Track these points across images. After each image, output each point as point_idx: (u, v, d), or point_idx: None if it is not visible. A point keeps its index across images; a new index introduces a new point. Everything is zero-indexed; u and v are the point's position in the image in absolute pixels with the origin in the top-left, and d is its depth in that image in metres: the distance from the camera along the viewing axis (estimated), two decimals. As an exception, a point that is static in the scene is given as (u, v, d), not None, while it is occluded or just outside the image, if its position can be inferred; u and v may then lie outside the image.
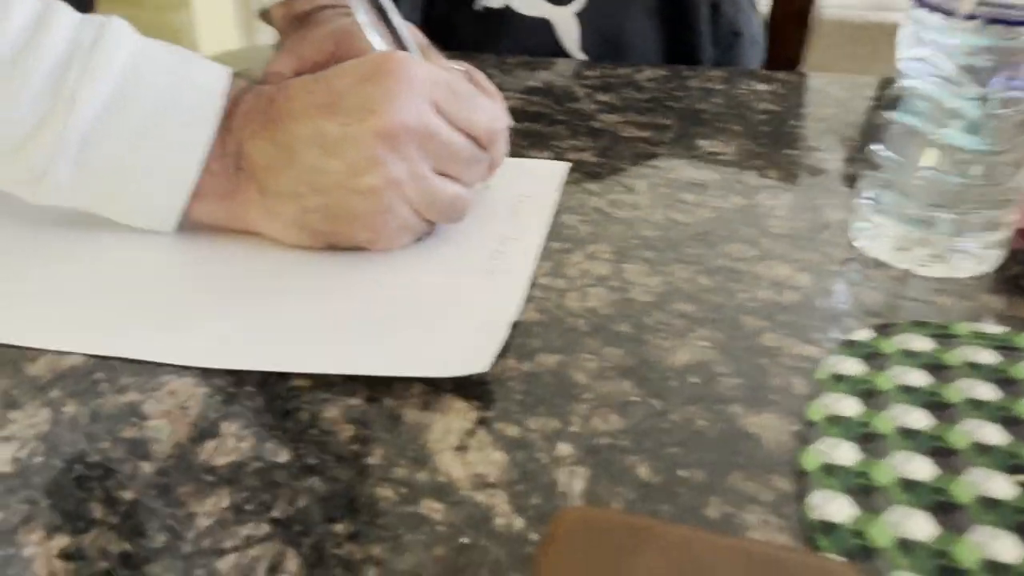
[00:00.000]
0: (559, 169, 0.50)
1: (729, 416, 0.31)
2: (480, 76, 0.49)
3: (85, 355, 0.33)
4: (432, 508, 0.27)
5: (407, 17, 0.49)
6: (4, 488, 0.27)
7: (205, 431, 0.30)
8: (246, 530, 0.26)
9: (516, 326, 0.35)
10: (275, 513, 0.26)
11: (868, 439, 0.29)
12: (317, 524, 0.26)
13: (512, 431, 0.30)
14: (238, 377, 0.32)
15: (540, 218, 0.44)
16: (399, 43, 0.43)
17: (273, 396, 0.32)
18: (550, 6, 0.71)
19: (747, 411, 0.31)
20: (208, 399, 0.31)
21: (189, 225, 0.41)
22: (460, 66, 0.47)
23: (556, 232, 0.43)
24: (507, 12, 0.72)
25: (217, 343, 0.34)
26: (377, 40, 0.43)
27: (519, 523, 0.26)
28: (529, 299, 0.38)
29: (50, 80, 0.36)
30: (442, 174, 0.39)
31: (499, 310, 0.36)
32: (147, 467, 0.28)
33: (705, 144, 0.54)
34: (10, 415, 0.30)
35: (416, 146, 0.38)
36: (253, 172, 0.39)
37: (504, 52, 0.70)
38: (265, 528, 0.26)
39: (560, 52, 0.73)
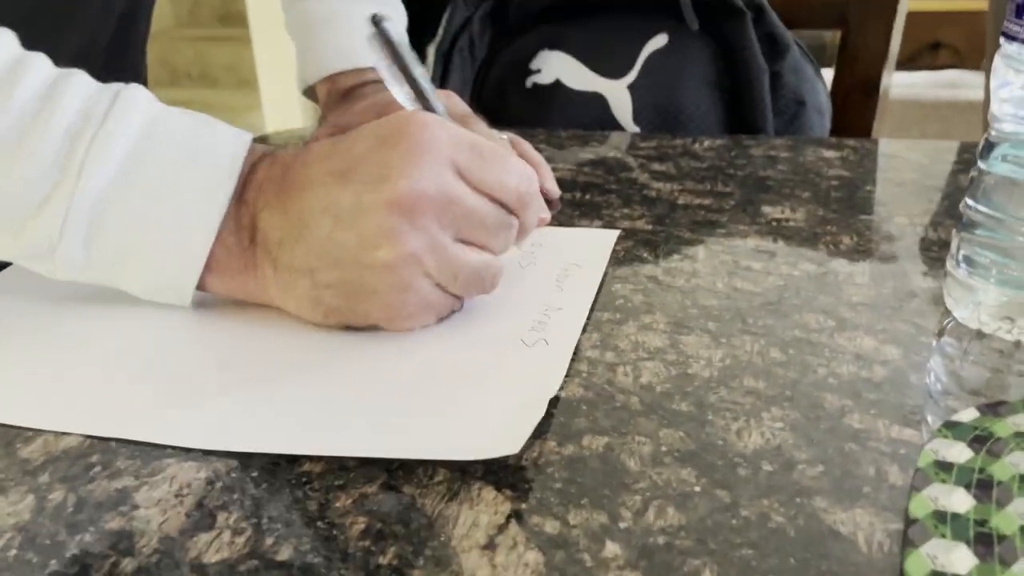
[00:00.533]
0: (608, 237, 0.46)
1: (812, 511, 0.26)
2: (524, 144, 0.46)
3: (83, 436, 0.30)
4: (450, 620, 0.22)
5: (458, 95, 0.47)
6: (-33, 586, 0.24)
7: (199, 523, 0.26)
8: (229, 643, 0.22)
9: (558, 404, 0.31)
10: (266, 623, 0.22)
11: (986, 540, 0.24)
12: (313, 637, 0.22)
13: (550, 527, 0.25)
14: (244, 461, 0.29)
15: (587, 287, 0.40)
16: (424, 102, 0.40)
17: (280, 483, 0.28)
18: (602, 80, 0.70)
19: (833, 505, 0.26)
20: (208, 486, 0.28)
21: (208, 297, 0.38)
22: (503, 135, 0.45)
23: (606, 303, 0.39)
24: (558, 87, 0.70)
25: (223, 423, 0.31)
26: (401, 95, 0.40)
27: (555, 641, 0.21)
28: (574, 374, 0.33)
29: (61, 151, 0.34)
30: (466, 242, 0.36)
31: (537, 386, 0.32)
32: (129, 564, 0.24)
33: (770, 211, 0.50)
34: (-8, 501, 0.27)
35: (435, 215, 0.34)
36: (266, 245, 0.36)
37: (556, 127, 0.68)
38: (252, 641, 0.22)
39: (613, 126, 0.70)
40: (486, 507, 0.26)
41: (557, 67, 0.70)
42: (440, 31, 0.76)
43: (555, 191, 0.47)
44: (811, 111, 0.70)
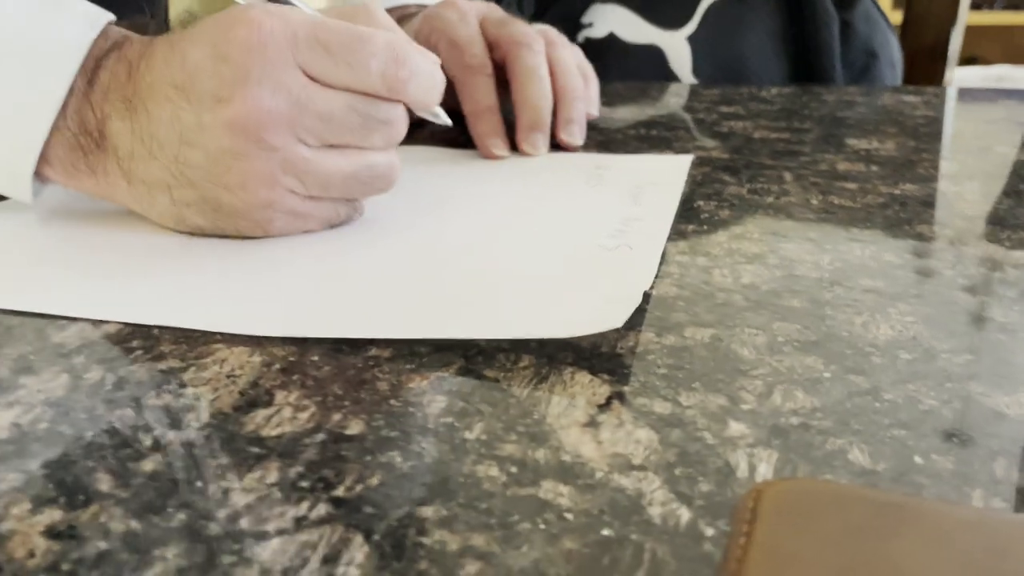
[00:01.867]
0: (682, 161, 0.43)
1: (968, 395, 0.22)
2: (562, 47, 0.44)
3: (123, 323, 0.27)
4: (556, 492, 0.19)
5: None
6: (-7, 455, 0.21)
7: (256, 400, 0.23)
8: (297, 510, 0.18)
9: (649, 300, 0.28)
10: (338, 491, 0.19)
11: None
12: (396, 506, 0.18)
13: (660, 408, 0.22)
14: (302, 347, 0.26)
15: (666, 202, 0.37)
16: None
17: (344, 366, 0.24)
18: (658, 31, 0.66)
19: (993, 390, 0.22)
20: (263, 368, 0.24)
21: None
22: (542, 26, 0.43)
23: (689, 216, 0.36)
24: (612, 41, 0.67)
25: (279, 309, 0.28)
26: None
27: (684, 513, 0.18)
28: (664, 275, 0.30)
29: None
30: (337, 146, 0.33)
31: (626, 279, 0.28)
32: (176, 436, 0.21)
33: (856, 143, 0.46)
34: (20, 380, 0.24)
35: (283, 129, 0.31)
36: (117, 155, 0.33)
37: (610, 83, 0.65)
38: (323, 509, 0.18)
39: (671, 80, 0.67)
40: (582, 389, 0.23)
41: (610, 19, 0.67)
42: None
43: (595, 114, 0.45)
44: (884, 64, 0.66)
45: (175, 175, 0.32)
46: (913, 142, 0.47)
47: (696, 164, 0.43)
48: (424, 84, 0.33)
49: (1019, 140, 0.49)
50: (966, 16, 0.77)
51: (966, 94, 0.62)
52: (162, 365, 0.25)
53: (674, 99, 0.60)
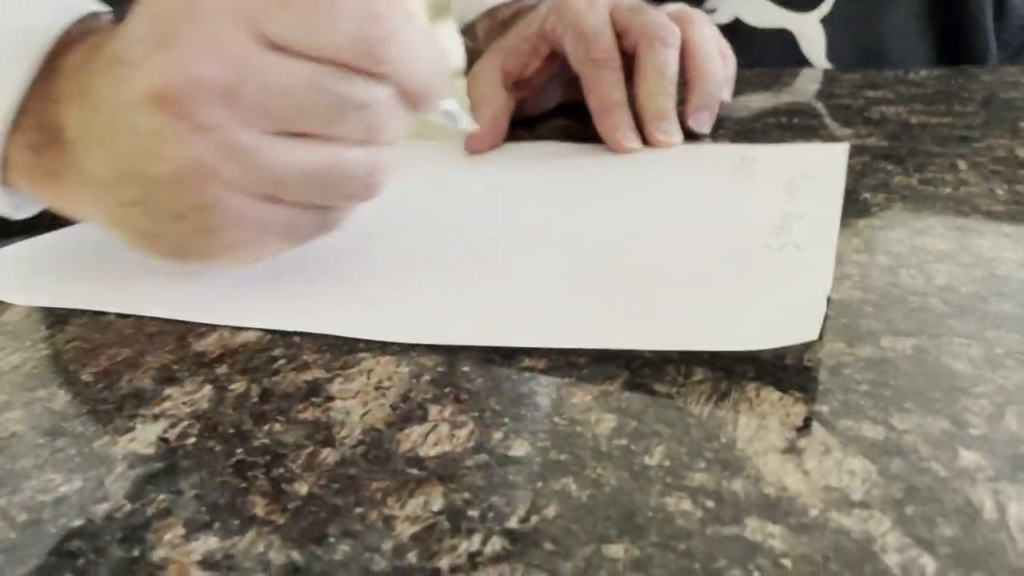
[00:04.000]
0: (837, 150, 0.39)
1: None
2: (699, 22, 0.41)
3: (262, 331, 0.26)
4: (765, 532, 0.16)
5: None
6: (141, 473, 0.20)
7: (409, 415, 0.21)
8: (469, 544, 0.16)
9: (830, 304, 0.25)
10: (511, 523, 0.17)
11: None
12: (580, 543, 0.16)
13: (871, 432, 0.19)
14: (450, 357, 0.24)
15: (828, 195, 0.33)
16: None
17: (498, 378, 0.23)
18: (789, 13, 0.62)
19: None
20: (412, 380, 0.23)
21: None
22: (676, 5, 0.40)
23: (858, 211, 0.32)
24: (738, 26, 0.64)
25: (424, 315, 0.26)
26: None
27: (929, 563, 0.15)
28: (842, 277, 0.27)
29: None
30: (299, 134, 0.25)
31: (802, 283, 0.25)
32: (330, 455, 0.20)
33: (1032, 127, 0.42)
34: (165, 391, 0.23)
35: (222, 104, 0.24)
36: (68, 146, 0.27)
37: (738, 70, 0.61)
38: (498, 543, 0.16)
39: (802, 66, 0.63)
40: (772, 408, 0.20)
41: (736, 4, 0.64)
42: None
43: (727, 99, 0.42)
44: (1044, 41, 0.60)
45: (114, 167, 0.26)
46: (1100, 124, 0.42)
47: (851, 153, 0.39)
48: (414, 55, 0.25)
49: None
50: None
51: None
52: (307, 376, 0.23)
53: (811, 85, 0.56)
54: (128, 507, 0.18)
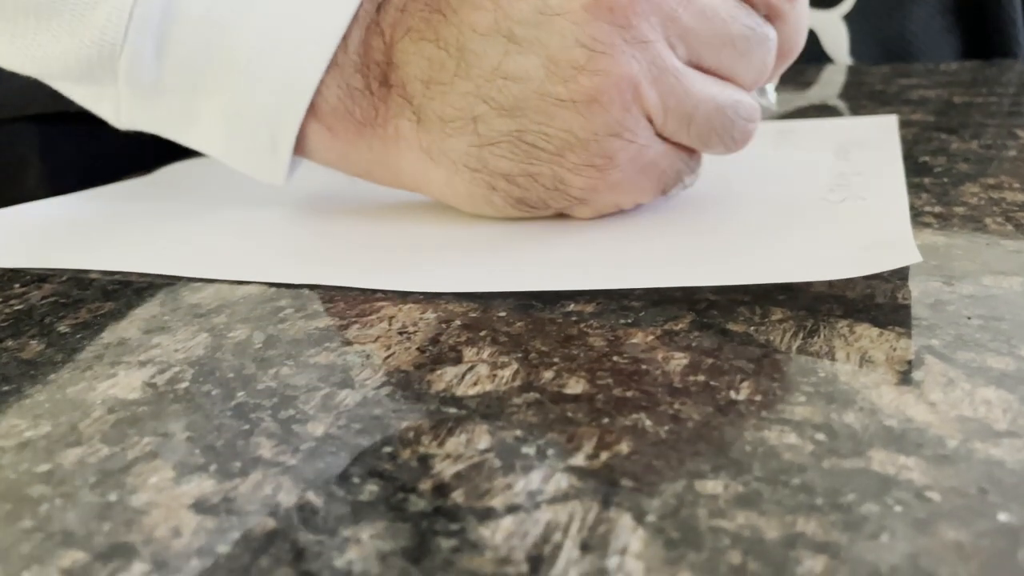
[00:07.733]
0: (887, 122, 0.36)
1: None
2: None
3: (266, 284, 0.23)
4: (899, 465, 0.13)
5: None
6: (123, 417, 0.16)
7: (440, 357, 0.18)
8: (527, 482, 0.13)
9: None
10: (577, 460, 0.14)
11: None
12: (666, 480, 0.13)
13: (997, 363, 0.16)
14: (483, 304, 0.21)
15: (883, 156, 0.31)
16: None
17: (540, 322, 0.19)
18: (811, 10, 0.60)
19: None
20: (441, 325, 0.20)
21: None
22: None
23: (919, 169, 0.30)
24: (757, 26, 0.62)
25: (452, 265, 0.23)
26: None
27: (1122, 495, 0.12)
28: (922, 225, 0.24)
29: None
30: (702, 69, 0.24)
31: (879, 222, 0.23)
32: (351, 396, 0.16)
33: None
34: (153, 340, 0.20)
35: (659, 18, 0.22)
36: (405, 88, 0.25)
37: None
38: (563, 481, 0.13)
39: (824, 63, 0.61)
40: (873, 344, 0.17)
41: None
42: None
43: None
44: (1077, 36, 0.58)
45: (489, 97, 0.23)
46: None
47: (900, 126, 0.37)
48: (804, 19, 0.25)
49: None
50: None
51: None
52: (318, 323, 0.20)
53: (839, 77, 0.54)
54: (105, 451, 0.15)
